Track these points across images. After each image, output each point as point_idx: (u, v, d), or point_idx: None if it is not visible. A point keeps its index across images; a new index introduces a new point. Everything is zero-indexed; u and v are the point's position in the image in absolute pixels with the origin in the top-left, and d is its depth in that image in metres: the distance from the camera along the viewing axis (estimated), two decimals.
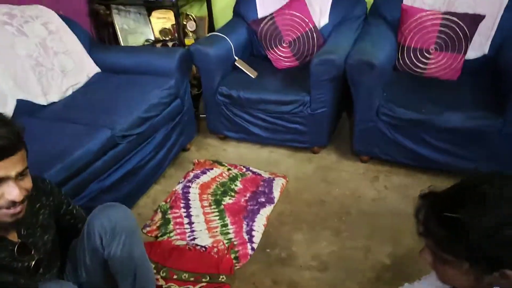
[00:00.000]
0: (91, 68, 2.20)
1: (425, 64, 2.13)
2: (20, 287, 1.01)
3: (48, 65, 1.99)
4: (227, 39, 2.31)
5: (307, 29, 2.34)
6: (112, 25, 2.70)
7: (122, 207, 1.21)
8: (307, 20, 2.33)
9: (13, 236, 1.04)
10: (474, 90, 1.99)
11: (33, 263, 1.05)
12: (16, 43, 1.90)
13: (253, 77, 2.33)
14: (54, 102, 1.98)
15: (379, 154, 2.09)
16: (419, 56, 2.13)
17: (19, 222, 1.03)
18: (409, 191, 1.97)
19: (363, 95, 1.96)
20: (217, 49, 2.22)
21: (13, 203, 0.93)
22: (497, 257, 0.70)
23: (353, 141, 2.14)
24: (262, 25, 2.41)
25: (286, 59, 2.43)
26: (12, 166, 0.90)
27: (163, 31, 2.80)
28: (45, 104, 1.95)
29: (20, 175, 0.93)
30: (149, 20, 2.82)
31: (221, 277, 1.55)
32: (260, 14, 2.49)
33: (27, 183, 0.96)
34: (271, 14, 2.40)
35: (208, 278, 1.55)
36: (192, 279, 1.55)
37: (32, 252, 1.06)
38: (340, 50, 2.02)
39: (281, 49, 2.41)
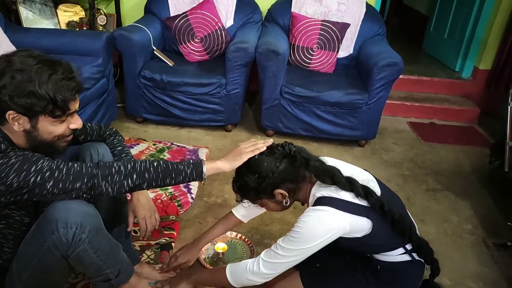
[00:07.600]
0: (8, 47, 2.17)
1: (310, 59, 2.74)
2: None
3: None
4: (146, 30, 2.55)
5: (216, 27, 2.74)
6: (16, 12, 2.66)
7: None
8: (216, 20, 2.74)
9: None
10: (346, 79, 2.65)
11: None
12: None
13: (170, 65, 2.60)
14: None
15: (282, 128, 2.58)
16: (305, 53, 2.73)
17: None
18: None
19: (270, 78, 2.43)
20: (139, 36, 2.44)
21: (73, 132, 1.08)
22: (246, 190, 1.18)
23: (261, 119, 2.59)
24: (176, 22, 2.72)
25: (197, 53, 2.77)
26: (78, 101, 1.06)
27: (70, 24, 2.86)
28: None
29: None
30: (56, 12, 2.85)
31: (171, 217, 1.77)
32: (173, 13, 2.80)
33: None
34: (185, 12, 2.74)
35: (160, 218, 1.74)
36: None
37: None
38: (250, 41, 2.46)
39: (194, 44, 2.75)
